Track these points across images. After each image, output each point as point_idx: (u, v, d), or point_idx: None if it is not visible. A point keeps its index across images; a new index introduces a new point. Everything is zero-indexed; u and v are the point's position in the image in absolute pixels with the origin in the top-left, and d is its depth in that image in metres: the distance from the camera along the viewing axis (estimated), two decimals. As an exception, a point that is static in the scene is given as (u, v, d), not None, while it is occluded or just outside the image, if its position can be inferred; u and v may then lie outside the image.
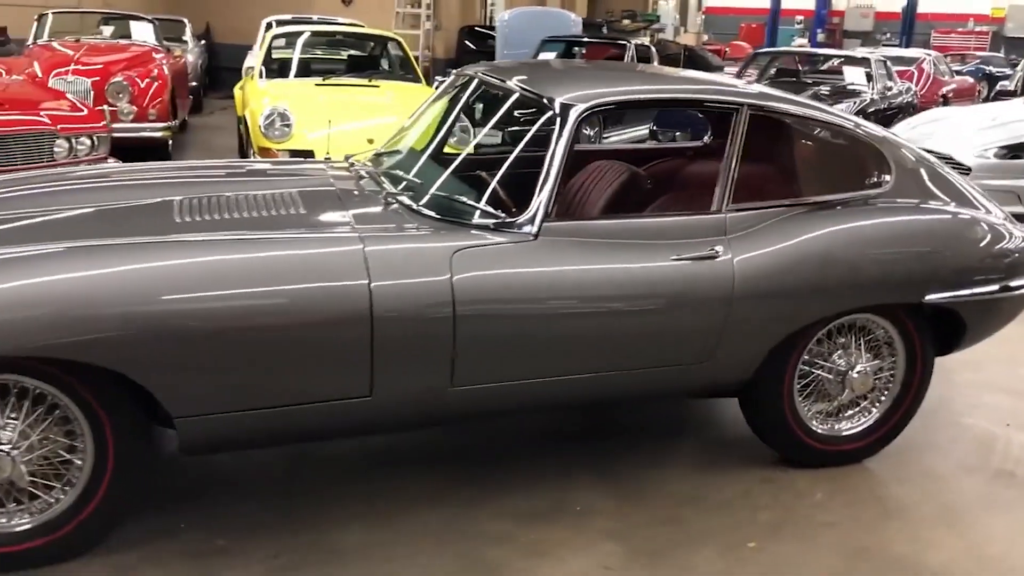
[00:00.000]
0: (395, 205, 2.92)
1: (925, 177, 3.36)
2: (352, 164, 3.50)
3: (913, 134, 7.89)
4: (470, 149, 3.32)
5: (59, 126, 5.96)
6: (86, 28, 11.25)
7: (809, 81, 10.52)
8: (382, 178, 3.19)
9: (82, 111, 6.39)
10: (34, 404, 2.42)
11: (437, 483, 3.08)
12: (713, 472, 3.26)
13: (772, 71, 11.21)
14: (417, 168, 3.20)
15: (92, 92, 8.44)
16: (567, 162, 2.83)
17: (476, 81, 3.47)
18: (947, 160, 7.38)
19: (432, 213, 2.83)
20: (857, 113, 9.26)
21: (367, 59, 9.19)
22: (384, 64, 9.05)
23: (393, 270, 2.57)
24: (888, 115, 9.91)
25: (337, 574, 2.59)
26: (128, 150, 8.01)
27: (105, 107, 8.33)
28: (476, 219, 2.80)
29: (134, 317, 2.32)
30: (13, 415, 2.42)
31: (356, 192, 3.10)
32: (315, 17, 13.04)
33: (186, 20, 14.68)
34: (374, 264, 2.55)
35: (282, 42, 8.85)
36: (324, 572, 2.59)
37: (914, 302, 3.17)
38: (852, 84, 9.98)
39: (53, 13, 10.70)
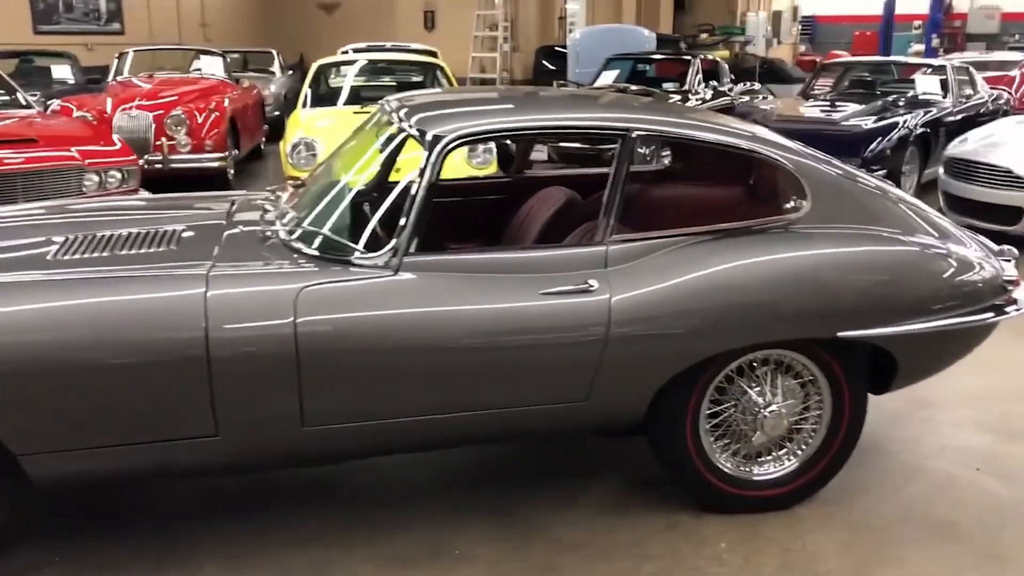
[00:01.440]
0: (273, 240, 2.89)
1: (854, 201, 3.10)
2: (271, 195, 3.50)
3: (978, 146, 7.38)
4: (364, 182, 3.27)
5: (87, 161, 6.27)
6: (186, 63, 11.86)
7: (881, 92, 9.98)
8: (286, 210, 3.17)
9: (115, 146, 6.69)
10: None
11: (310, 525, 3.02)
12: (618, 515, 3.08)
13: (845, 82, 10.70)
14: (320, 201, 3.15)
15: (153, 125, 8.84)
16: (432, 193, 2.75)
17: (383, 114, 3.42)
18: (1007, 174, 6.89)
19: (303, 247, 2.79)
20: (932, 123, 8.74)
21: (414, 85, 9.32)
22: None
23: (232, 313, 2.54)
24: (968, 123, 9.29)
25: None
26: (187, 180, 8.40)
27: (163, 140, 8.74)
28: (340, 254, 2.75)
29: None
30: None
31: (245, 226, 3.09)
32: (388, 44, 13.31)
33: (275, 52, 15.24)
34: (213, 307, 2.53)
35: (332, 72, 9.08)
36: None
37: (825, 337, 2.92)
38: (925, 94, 9.40)
39: (135, 51, 11.31)
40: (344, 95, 8.80)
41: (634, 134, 2.93)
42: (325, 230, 2.84)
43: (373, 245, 2.76)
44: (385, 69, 9.64)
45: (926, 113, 8.85)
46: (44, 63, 13.06)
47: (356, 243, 2.77)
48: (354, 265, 2.71)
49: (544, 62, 15.53)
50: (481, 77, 15.82)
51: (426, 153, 2.78)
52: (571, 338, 2.74)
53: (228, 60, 11.18)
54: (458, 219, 3.89)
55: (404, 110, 3.10)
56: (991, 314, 3.11)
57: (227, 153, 9.13)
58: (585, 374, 2.77)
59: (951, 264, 3.04)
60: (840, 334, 2.89)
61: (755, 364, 2.99)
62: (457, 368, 2.70)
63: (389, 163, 3.31)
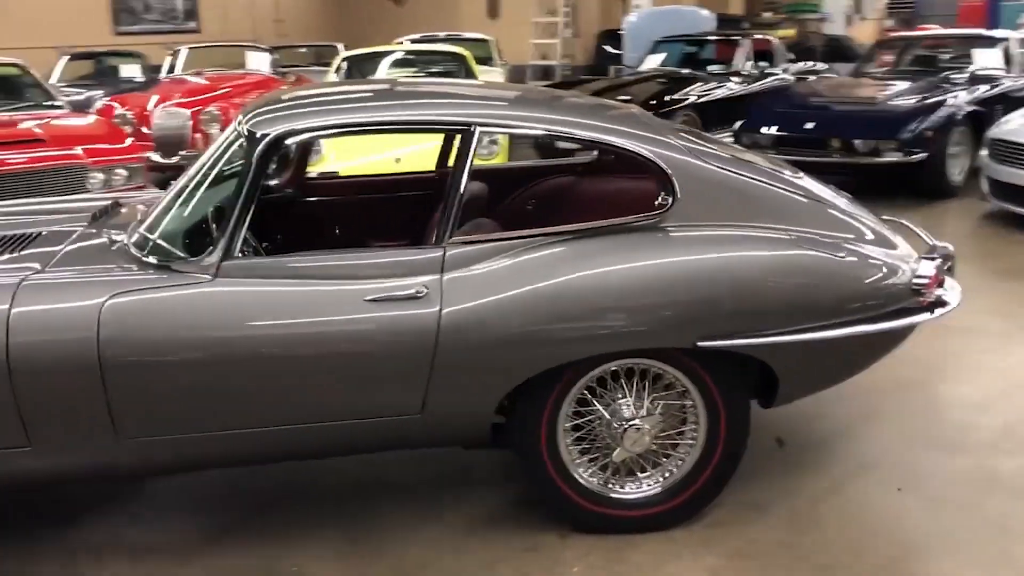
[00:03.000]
0: (119, 246, 2.83)
1: (735, 198, 2.82)
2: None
3: (1022, 126, 6.79)
4: (210, 187, 3.09)
5: (91, 159, 6.42)
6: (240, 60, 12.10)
7: (942, 68, 9.31)
8: (148, 215, 3.10)
9: (123, 144, 6.83)
10: None
11: (147, 536, 2.95)
12: (479, 534, 2.90)
13: (908, 58, 10.04)
14: (169, 206, 3.03)
15: (190, 122, 9.03)
16: (255, 195, 2.63)
17: None
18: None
19: (140, 254, 2.72)
20: (988, 101, 8.10)
21: (443, 75, 9.22)
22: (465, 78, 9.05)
23: (34, 324, 2.49)
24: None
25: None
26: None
27: (199, 136, 8.93)
28: (165, 259, 2.66)
29: None
30: None
31: (107, 232, 3.01)
32: (442, 35, 13.27)
33: (340, 45, 15.40)
34: (16, 317, 2.48)
35: (364, 65, 9.09)
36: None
37: (685, 346, 2.67)
38: (985, 68, 8.71)
39: (189, 48, 11.60)
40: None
41: (475, 129, 2.74)
42: (156, 236, 2.76)
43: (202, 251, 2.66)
44: (412, 61, 9.57)
45: (981, 90, 8.20)
46: (116, 63, 13.57)
47: (191, 249, 2.68)
48: (174, 271, 2.62)
49: (605, 47, 15.18)
50: (543, 65, 15.61)
51: (249, 153, 2.66)
52: (398, 348, 2.58)
53: (277, 56, 11.31)
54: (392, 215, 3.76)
55: (250, 109, 2.98)
56: (895, 321, 2.79)
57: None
58: (417, 385, 2.60)
59: (839, 267, 2.73)
60: (700, 344, 2.63)
61: (620, 374, 2.77)
62: (276, 380, 2.58)
63: (226, 167, 3.16)
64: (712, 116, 9.54)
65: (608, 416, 2.78)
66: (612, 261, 2.66)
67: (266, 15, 17.71)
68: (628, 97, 9.50)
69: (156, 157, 8.66)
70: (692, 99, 9.61)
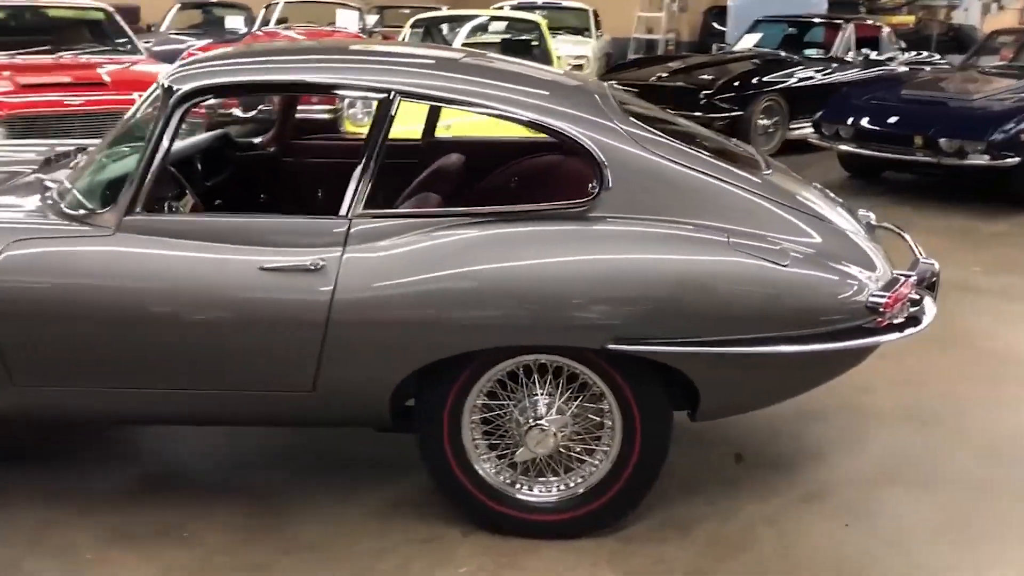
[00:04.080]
0: (48, 194, 2.81)
1: (673, 190, 2.59)
2: None
3: None
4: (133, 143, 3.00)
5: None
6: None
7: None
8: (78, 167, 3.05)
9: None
10: None
11: (52, 485, 2.95)
12: (381, 520, 2.79)
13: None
14: (93, 159, 2.94)
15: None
16: (167, 150, 2.57)
17: None
18: None
19: (58, 202, 2.70)
20: None
21: (519, 43, 9.02)
22: (536, 49, 8.84)
23: None
24: None
25: None
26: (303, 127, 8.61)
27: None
28: (75, 210, 2.63)
29: None
30: None
31: (44, 179, 2.99)
32: (540, 1, 13.04)
33: (444, 8, 15.34)
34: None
35: (424, 27, 8.97)
36: None
37: (594, 347, 2.46)
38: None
39: (284, 2, 11.75)
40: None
41: (393, 96, 2.58)
42: (74, 187, 2.73)
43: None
44: (486, 27, 9.41)
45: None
46: (222, 14, 13.93)
47: (102, 203, 2.64)
48: (82, 223, 2.58)
49: (713, 23, 14.60)
50: (647, 39, 15.15)
51: (161, 108, 2.59)
52: (288, 322, 2.48)
53: (378, 15, 11.36)
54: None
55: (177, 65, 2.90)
56: (840, 342, 2.51)
57: (335, 105, 9.28)
58: (307, 362, 2.50)
59: (775, 277, 2.46)
60: (609, 346, 2.43)
61: (533, 370, 2.59)
62: (164, 342, 2.53)
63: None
64: (802, 103, 9.05)
65: (516, 412, 2.62)
66: (523, 251, 2.48)
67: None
68: (711, 77, 9.13)
69: (236, 111, 8.81)
70: (780, 84, 9.14)
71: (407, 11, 15.33)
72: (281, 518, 2.80)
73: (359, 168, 2.56)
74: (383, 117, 2.59)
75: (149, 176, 2.56)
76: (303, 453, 3.22)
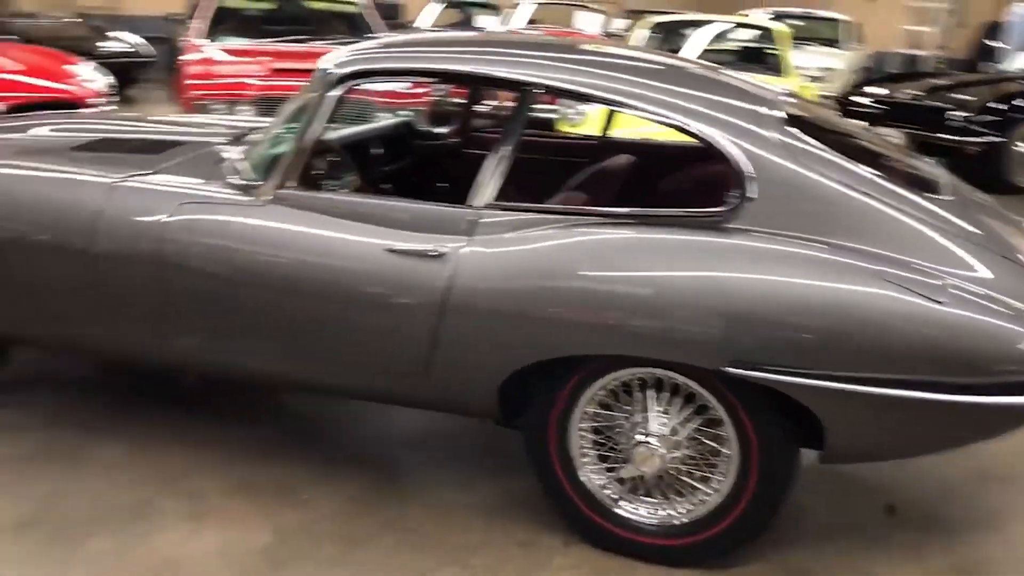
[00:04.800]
0: (225, 164, 3.02)
1: (826, 209, 2.36)
2: None
3: None
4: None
5: (379, 98, 6.93)
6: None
7: None
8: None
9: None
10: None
11: (201, 426, 3.17)
12: (486, 514, 2.76)
13: None
14: (272, 137, 3.11)
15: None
16: (317, 130, 2.69)
17: None
18: None
19: (228, 173, 2.89)
20: None
21: (755, 52, 8.70)
22: (773, 58, 8.47)
23: (116, 219, 2.76)
24: None
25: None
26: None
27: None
28: (242, 179, 2.81)
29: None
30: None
31: (222, 149, 3.19)
32: (797, 11, 12.50)
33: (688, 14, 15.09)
34: (112, 202, 2.78)
35: (661, 31, 8.82)
36: None
37: (711, 367, 2.29)
38: None
39: (531, 3, 12.01)
40: (689, 55, 8.53)
41: (534, 89, 2.54)
42: (243, 159, 2.91)
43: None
44: (723, 33, 9.10)
45: None
46: (475, 13, 14.48)
47: (263, 175, 2.79)
48: (244, 192, 2.75)
49: (986, 41, 13.28)
50: (911, 54, 14.06)
51: (319, 89, 2.71)
52: (405, 303, 2.51)
53: (607, 17, 11.37)
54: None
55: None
56: (1004, 397, 2.19)
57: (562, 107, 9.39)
58: (420, 346, 2.52)
59: (926, 314, 2.17)
60: (726, 368, 2.26)
61: (649, 384, 2.47)
62: (292, 308, 2.63)
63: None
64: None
65: (628, 426, 2.50)
66: (648, 257, 2.35)
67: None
68: (969, 97, 8.32)
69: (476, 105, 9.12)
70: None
71: (655, 16, 15.31)
72: (393, 497, 2.84)
73: (490, 159, 2.54)
74: (520, 110, 2.55)
75: (303, 153, 2.69)
76: (434, 438, 3.26)
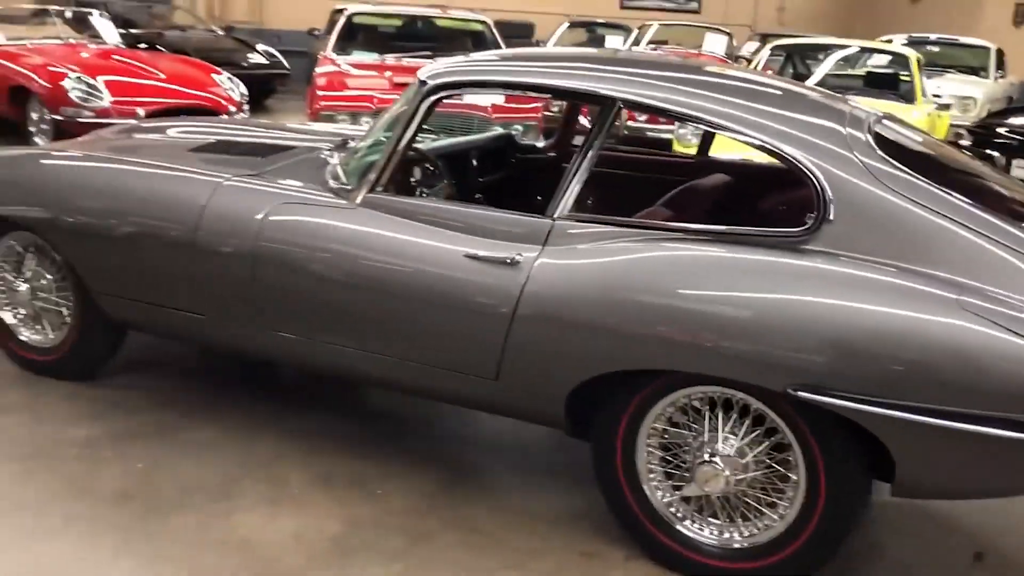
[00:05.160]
0: (327, 168, 3.17)
1: (909, 235, 2.29)
2: None
3: None
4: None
5: (496, 114, 7.08)
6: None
7: None
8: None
9: (529, 104, 7.37)
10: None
11: (301, 420, 3.32)
12: (552, 522, 2.79)
13: None
14: (368, 144, 3.19)
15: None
16: (412, 137, 2.80)
17: None
18: None
19: (327, 176, 3.04)
20: None
21: (887, 77, 8.41)
22: (907, 84, 8.19)
23: (217, 216, 2.94)
24: None
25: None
26: (639, 142, 8.81)
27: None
28: (336, 183, 2.95)
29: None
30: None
31: (326, 155, 3.33)
32: (932, 36, 12.03)
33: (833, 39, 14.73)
34: (216, 199, 2.96)
35: (789, 54, 8.66)
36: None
37: (775, 389, 2.26)
38: None
39: (659, 24, 12.01)
40: (812, 80, 8.37)
41: (617, 104, 2.57)
42: (341, 165, 3.05)
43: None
44: (851, 57, 8.86)
45: None
46: (604, 33, 14.58)
47: (358, 180, 2.92)
48: (338, 195, 2.89)
49: None
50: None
51: (413, 99, 2.82)
52: (479, 309, 2.57)
53: (733, 39, 11.23)
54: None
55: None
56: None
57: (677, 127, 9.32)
58: (492, 351, 2.58)
59: (1007, 349, 2.08)
60: (792, 391, 2.22)
61: (717, 403, 2.45)
62: (373, 306, 2.74)
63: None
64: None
65: (694, 444, 2.49)
66: (720, 275, 2.35)
67: (770, 2, 17.50)
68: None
69: (584, 120, 9.19)
70: None
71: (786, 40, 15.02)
72: (462, 498, 2.91)
73: (568, 171, 2.59)
74: (602, 123, 2.59)
75: (394, 159, 2.80)
76: (510, 445, 3.31)
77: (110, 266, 3.18)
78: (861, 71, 8.66)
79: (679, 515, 2.56)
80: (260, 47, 12.31)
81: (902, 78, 8.11)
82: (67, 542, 2.56)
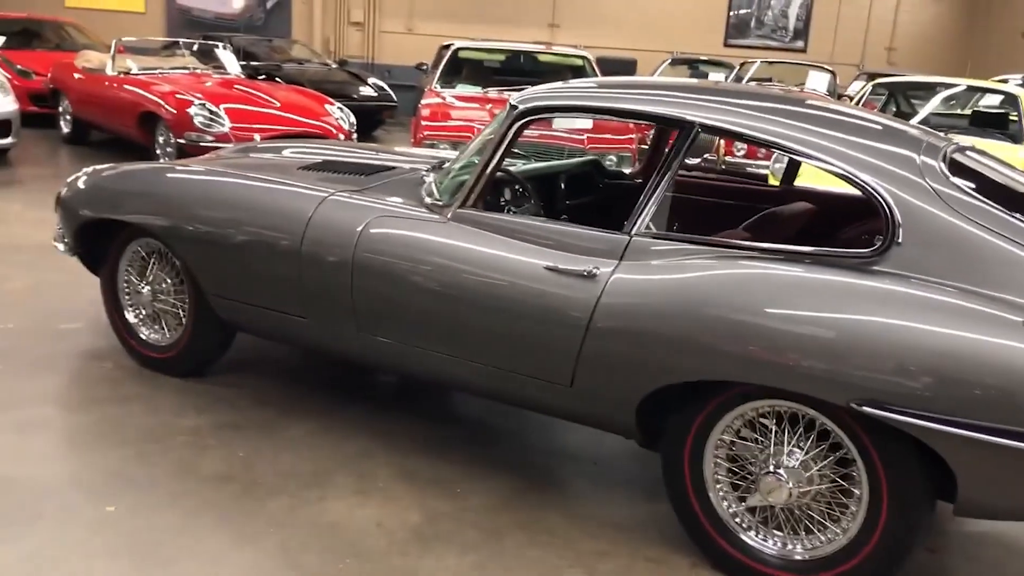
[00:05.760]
0: (422, 185, 3.40)
1: (975, 259, 2.35)
2: None
3: None
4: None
5: (589, 144, 7.27)
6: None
7: None
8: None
9: (623, 136, 7.54)
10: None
11: (385, 422, 3.52)
12: (622, 526, 2.91)
13: None
14: (460, 164, 3.41)
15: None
16: (501, 157, 3.00)
17: None
18: None
19: (423, 192, 3.27)
20: None
21: (994, 116, 8.24)
22: (1015, 123, 8.02)
23: (320, 227, 3.19)
24: None
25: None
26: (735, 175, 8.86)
27: (719, 142, 9.35)
28: (430, 199, 3.17)
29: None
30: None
31: (423, 174, 3.56)
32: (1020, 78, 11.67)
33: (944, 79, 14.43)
34: (321, 211, 3.22)
35: (889, 92, 8.58)
36: (248, 437, 3.39)
37: (839, 403, 2.33)
38: None
39: (761, 62, 12.01)
40: (915, 120, 8.29)
41: (696, 127, 2.70)
42: (435, 182, 3.27)
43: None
44: (955, 97, 8.70)
45: None
46: (706, 69, 14.64)
47: (450, 196, 3.13)
48: (432, 210, 3.10)
49: None
50: None
51: (503, 122, 3.02)
52: (557, 318, 2.72)
53: (836, 77, 11.16)
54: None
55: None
56: None
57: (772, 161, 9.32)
58: (567, 359, 2.73)
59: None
60: (854, 406, 2.29)
61: (784, 417, 2.54)
62: (459, 314, 2.91)
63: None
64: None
65: (760, 456, 2.57)
66: (788, 292, 2.44)
67: (879, 41, 17.25)
68: None
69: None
70: None
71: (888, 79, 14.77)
72: (537, 501, 3.05)
73: (647, 190, 2.73)
74: (680, 147, 2.73)
75: (483, 178, 3.00)
76: (587, 454, 3.44)
77: (223, 271, 3.46)
78: (969, 111, 8.50)
79: (744, 525, 2.64)
80: (371, 80, 12.83)
81: (1011, 118, 7.93)
82: (173, 515, 2.81)
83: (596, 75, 8.98)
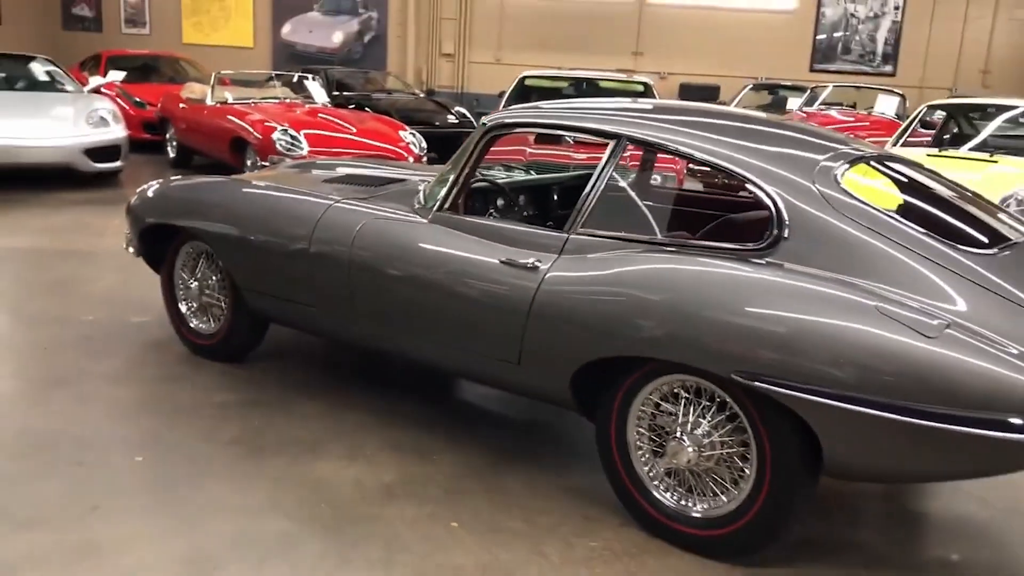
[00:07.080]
0: (416, 194, 3.89)
1: (850, 253, 2.68)
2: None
3: None
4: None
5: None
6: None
7: None
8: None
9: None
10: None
11: (384, 397, 3.99)
12: (573, 493, 3.29)
13: None
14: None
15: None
16: (473, 167, 3.48)
17: None
18: None
19: (413, 199, 3.77)
20: None
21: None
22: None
23: (325, 229, 3.72)
24: None
25: (268, 414, 3.90)
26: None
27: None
28: (418, 205, 3.67)
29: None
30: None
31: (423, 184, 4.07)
32: None
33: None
34: (326, 216, 3.76)
35: (949, 114, 8.63)
36: (267, 411, 3.94)
37: (722, 374, 2.69)
38: None
39: (834, 86, 12.11)
40: (974, 142, 8.34)
41: (623, 140, 3.11)
42: (421, 190, 3.76)
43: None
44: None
45: None
46: (786, 95, 14.73)
47: (430, 202, 3.62)
48: (414, 213, 3.60)
49: None
50: None
51: (473, 136, 3.49)
52: (506, 304, 3.16)
53: (906, 101, 11.16)
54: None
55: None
56: (989, 431, 2.36)
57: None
58: (515, 340, 3.15)
59: (915, 351, 2.42)
60: (734, 376, 2.65)
61: (688, 389, 2.90)
62: (428, 301, 3.39)
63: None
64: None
65: (674, 425, 2.93)
66: (683, 279, 2.80)
67: (973, 65, 16.95)
68: None
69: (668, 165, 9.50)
70: None
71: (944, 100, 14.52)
72: (505, 468, 3.46)
73: (583, 195, 3.14)
74: (612, 157, 3.14)
75: (456, 186, 3.48)
76: (549, 430, 3.83)
77: (251, 268, 4.04)
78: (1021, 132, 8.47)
79: (661, 487, 3.00)
80: (455, 109, 13.50)
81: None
82: (189, 467, 3.36)
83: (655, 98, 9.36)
